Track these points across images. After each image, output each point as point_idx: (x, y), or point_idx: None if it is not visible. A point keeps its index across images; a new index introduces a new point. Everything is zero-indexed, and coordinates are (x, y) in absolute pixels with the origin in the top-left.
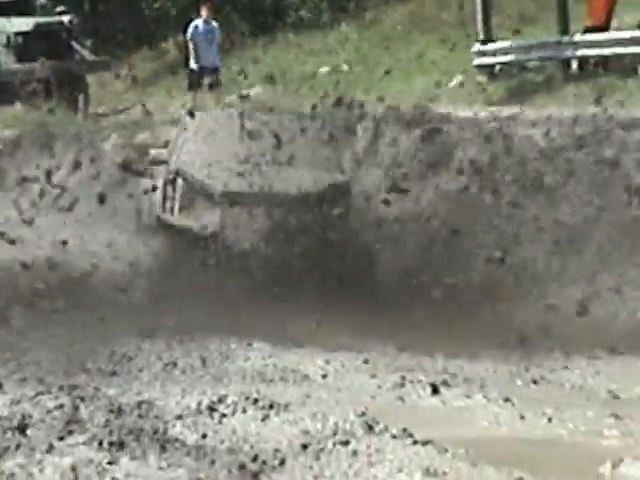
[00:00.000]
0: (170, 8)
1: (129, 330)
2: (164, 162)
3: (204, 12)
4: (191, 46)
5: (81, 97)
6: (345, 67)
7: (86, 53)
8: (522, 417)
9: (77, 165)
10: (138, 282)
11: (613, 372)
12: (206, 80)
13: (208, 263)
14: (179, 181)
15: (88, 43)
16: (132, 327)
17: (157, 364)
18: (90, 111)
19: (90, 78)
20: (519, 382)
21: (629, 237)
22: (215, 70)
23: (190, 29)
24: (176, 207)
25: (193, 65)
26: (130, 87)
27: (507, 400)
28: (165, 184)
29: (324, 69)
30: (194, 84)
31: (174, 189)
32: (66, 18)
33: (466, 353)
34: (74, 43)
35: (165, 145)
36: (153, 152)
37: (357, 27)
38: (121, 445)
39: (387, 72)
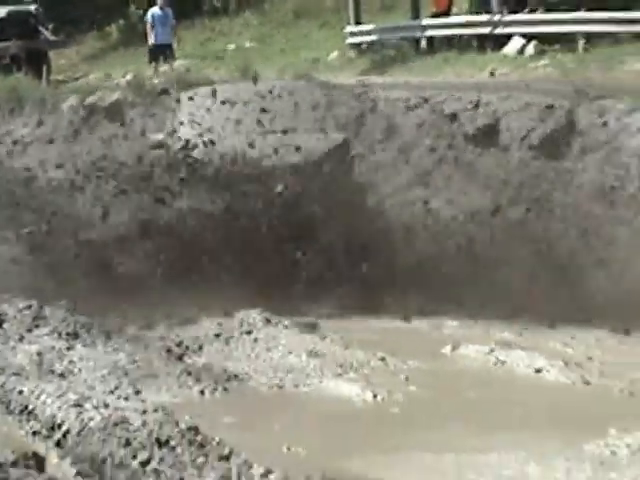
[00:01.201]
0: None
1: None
2: (163, 145)
3: (159, 1)
4: (149, 28)
5: (44, 68)
6: (248, 45)
7: (48, 34)
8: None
9: (41, 122)
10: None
11: None
12: (161, 55)
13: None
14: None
15: (50, 26)
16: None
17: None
18: (52, 79)
19: (52, 53)
20: None
21: (467, 175)
22: (169, 46)
23: (148, 14)
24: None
25: (151, 42)
26: (82, 60)
27: None
28: (167, 166)
29: (231, 47)
30: (153, 57)
31: (177, 169)
32: (33, 7)
33: None
34: (39, 27)
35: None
36: (152, 136)
37: (257, 14)
38: (76, 335)
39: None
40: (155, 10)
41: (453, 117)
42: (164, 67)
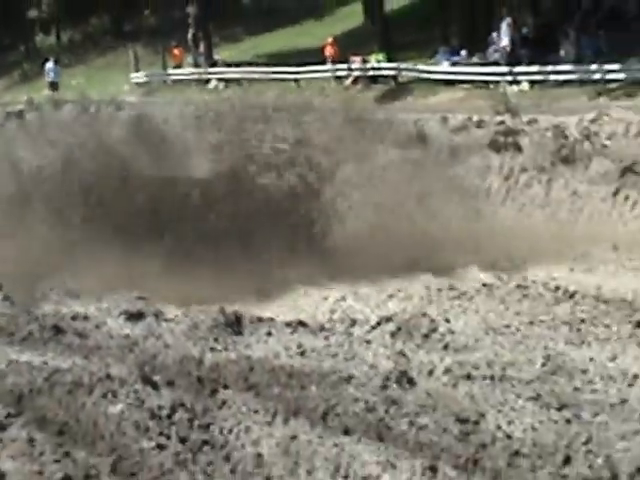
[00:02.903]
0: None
1: None
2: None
3: (51, 59)
4: (46, 72)
5: None
6: (82, 81)
7: None
8: None
9: None
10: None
11: None
12: (52, 87)
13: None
14: None
15: None
16: None
17: None
18: None
19: None
20: None
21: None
22: (56, 84)
23: (46, 65)
24: None
25: (47, 81)
26: (1, 90)
27: None
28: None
29: (74, 82)
30: (51, 88)
31: None
32: None
33: None
34: None
35: None
36: None
37: (85, 67)
38: None
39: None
40: (50, 64)
41: (198, 118)
42: (49, 92)
